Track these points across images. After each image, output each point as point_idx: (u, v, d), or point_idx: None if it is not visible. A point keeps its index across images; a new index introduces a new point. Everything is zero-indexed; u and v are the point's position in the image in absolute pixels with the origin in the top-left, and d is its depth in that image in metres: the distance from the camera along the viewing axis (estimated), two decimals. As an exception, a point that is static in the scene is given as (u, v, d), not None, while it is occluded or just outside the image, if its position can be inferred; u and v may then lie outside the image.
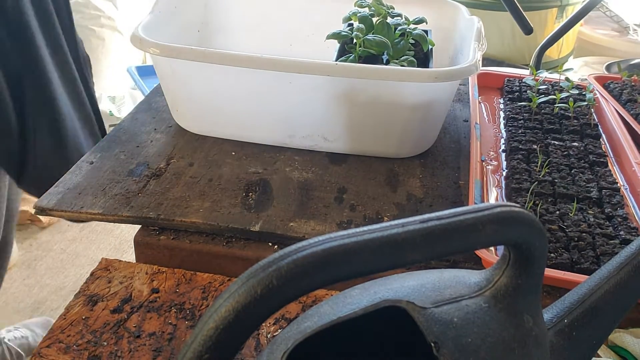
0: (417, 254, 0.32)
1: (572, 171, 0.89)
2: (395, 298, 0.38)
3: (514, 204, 0.35)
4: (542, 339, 0.39)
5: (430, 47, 1.00)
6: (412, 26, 1.01)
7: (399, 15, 1.04)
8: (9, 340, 1.65)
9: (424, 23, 1.04)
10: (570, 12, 1.82)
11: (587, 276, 0.69)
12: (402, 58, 0.93)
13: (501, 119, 1.07)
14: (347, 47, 0.96)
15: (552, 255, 0.72)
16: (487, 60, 1.60)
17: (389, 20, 1.00)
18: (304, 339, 0.37)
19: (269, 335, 0.67)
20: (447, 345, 0.35)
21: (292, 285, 0.29)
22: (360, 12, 1.02)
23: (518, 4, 1.16)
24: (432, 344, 0.35)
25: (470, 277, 0.40)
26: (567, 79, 1.11)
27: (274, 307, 0.29)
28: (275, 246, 0.78)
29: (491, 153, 0.96)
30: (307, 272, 0.29)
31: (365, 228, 0.32)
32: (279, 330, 0.68)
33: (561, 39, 1.26)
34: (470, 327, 0.36)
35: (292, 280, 0.29)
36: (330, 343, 0.46)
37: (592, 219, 0.79)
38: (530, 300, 0.39)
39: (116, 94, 2.68)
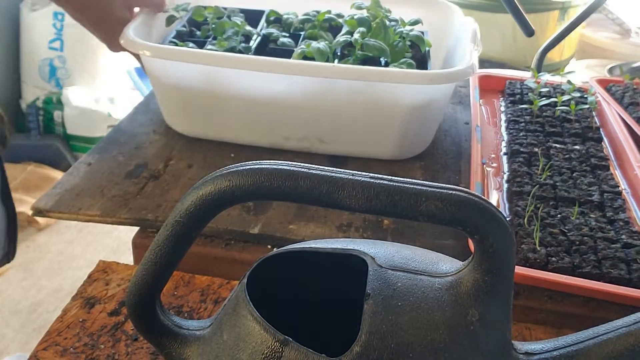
0: (353, 201, 0.36)
1: (574, 174, 0.88)
2: (363, 251, 0.41)
3: (474, 193, 0.36)
4: (483, 342, 0.38)
5: (427, 48, 1.00)
6: (408, 28, 1.01)
7: (396, 20, 1.04)
8: None
9: (420, 24, 1.03)
10: (572, 14, 1.82)
11: (589, 280, 0.69)
12: (402, 61, 0.93)
13: (502, 121, 1.06)
14: (346, 51, 0.96)
15: (553, 259, 0.72)
16: (488, 63, 1.60)
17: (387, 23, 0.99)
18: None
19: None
20: (376, 299, 0.38)
21: (244, 188, 0.37)
22: (357, 15, 1.02)
23: (519, 6, 1.15)
24: (366, 294, 0.38)
25: (446, 262, 0.42)
26: (568, 82, 1.11)
27: (230, 202, 0.38)
28: (275, 249, 0.78)
29: (492, 156, 0.96)
30: (256, 180, 0.37)
31: (323, 167, 0.37)
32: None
33: (563, 41, 1.26)
34: (408, 294, 0.38)
35: (246, 184, 0.37)
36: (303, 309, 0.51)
37: (593, 223, 0.78)
38: (488, 300, 0.39)
39: (115, 95, 2.68)
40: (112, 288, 0.72)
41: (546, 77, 1.16)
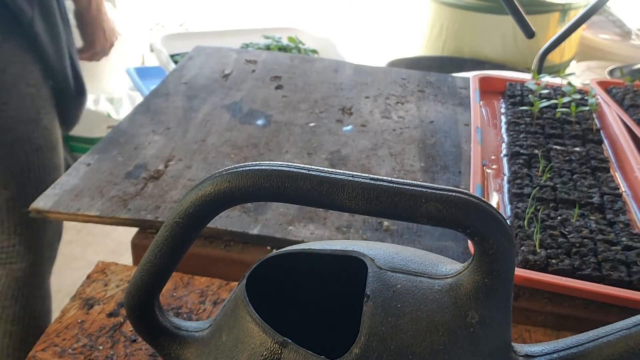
0: (353, 203, 0.36)
1: (574, 176, 0.88)
2: (363, 252, 0.41)
3: (474, 195, 0.36)
4: (483, 344, 0.38)
5: None
6: None
7: None
8: None
9: None
10: (573, 16, 1.82)
11: (589, 282, 0.69)
12: None
13: (502, 123, 1.06)
14: None
15: (553, 261, 0.71)
16: (489, 64, 1.60)
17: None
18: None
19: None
20: (375, 301, 0.38)
21: (243, 188, 0.37)
22: None
23: (520, 8, 1.15)
24: (365, 295, 0.38)
25: (446, 264, 0.42)
26: (569, 84, 1.10)
27: (230, 203, 0.38)
28: (274, 250, 0.77)
29: (492, 157, 0.95)
30: (256, 181, 0.37)
31: (322, 168, 0.37)
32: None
33: (563, 43, 1.26)
34: (407, 296, 0.38)
35: (245, 185, 0.37)
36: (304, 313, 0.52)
37: (593, 225, 0.78)
38: (488, 302, 0.38)
39: (114, 95, 2.67)
40: (111, 289, 0.72)
41: (546, 79, 1.16)
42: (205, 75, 1.23)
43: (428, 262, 0.41)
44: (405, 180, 0.36)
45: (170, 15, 3.63)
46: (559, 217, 0.79)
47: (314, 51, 2.04)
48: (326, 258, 0.44)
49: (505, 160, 0.95)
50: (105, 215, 0.80)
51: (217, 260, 0.77)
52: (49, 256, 1.26)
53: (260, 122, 1.06)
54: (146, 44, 2.91)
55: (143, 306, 0.43)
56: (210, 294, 0.72)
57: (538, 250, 0.73)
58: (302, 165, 0.37)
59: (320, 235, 0.78)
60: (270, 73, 1.26)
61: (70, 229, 2.28)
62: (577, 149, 0.96)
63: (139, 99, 2.54)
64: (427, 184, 0.36)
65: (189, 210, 0.39)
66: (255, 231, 0.78)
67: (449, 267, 0.41)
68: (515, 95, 1.13)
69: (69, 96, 1.21)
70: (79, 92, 1.24)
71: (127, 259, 0.79)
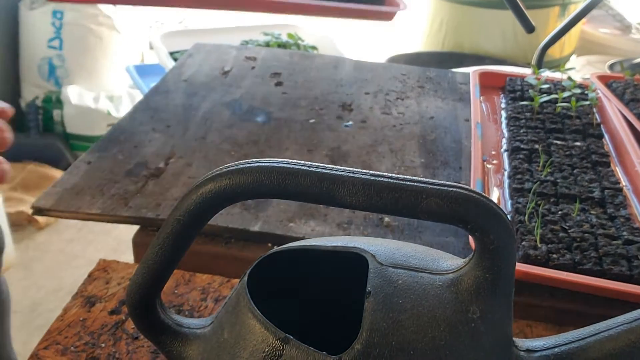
0: (354, 199, 0.36)
1: (575, 171, 0.88)
2: (364, 249, 0.41)
3: (475, 190, 0.36)
4: (484, 339, 0.38)
5: None
6: None
7: None
8: None
9: None
10: (573, 10, 1.82)
11: (590, 277, 0.69)
12: None
13: (503, 118, 1.06)
14: None
15: (554, 256, 0.71)
16: (489, 59, 1.60)
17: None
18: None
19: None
20: (377, 297, 0.38)
21: (244, 186, 0.37)
22: None
23: (520, 3, 1.15)
24: (366, 292, 0.38)
25: (447, 260, 0.42)
26: (569, 78, 1.10)
27: (231, 200, 0.38)
28: (275, 247, 0.78)
29: (493, 153, 0.95)
30: (257, 178, 0.37)
31: (322, 164, 0.37)
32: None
33: (563, 37, 1.25)
34: (409, 292, 0.38)
35: (246, 182, 0.37)
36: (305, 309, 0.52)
37: (594, 220, 0.78)
38: (489, 297, 0.38)
39: (114, 93, 2.67)
40: (113, 287, 0.72)
41: (547, 74, 1.15)
42: (204, 72, 1.23)
43: (429, 258, 0.41)
44: (405, 176, 0.36)
45: (169, 12, 3.62)
46: (559, 212, 0.79)
47: (314, 47, 2.04)
48: (327, 254, 0.44)
49: (505, 155, 0.95)
50: (106, 213, 0.80)
51: (218, 258, 0.77)
52: None
53: (260, 119, 1.06)
54: (146, 42, 2.91)
55: (145, 304, 0.43)
56: (212, 291, 0.72)
57: (539, 245, 0.73)
58: (303, 162, 0.37)
59: (321, 232, 0.78)
60: (270, 70, 1.26)
61: (71, 227, 2.29)
62: (578, 143, 0.96)
63: (139, 96, 2.54)
64: (427, 179, 0.36)
65: (190, 207, 0.39)
66: (256, 228, 0.78)
67: (450, 262, 0.41)
68: (515, 90, 1.13)
69: None
70: None
71: (128, 257, 0.79)
